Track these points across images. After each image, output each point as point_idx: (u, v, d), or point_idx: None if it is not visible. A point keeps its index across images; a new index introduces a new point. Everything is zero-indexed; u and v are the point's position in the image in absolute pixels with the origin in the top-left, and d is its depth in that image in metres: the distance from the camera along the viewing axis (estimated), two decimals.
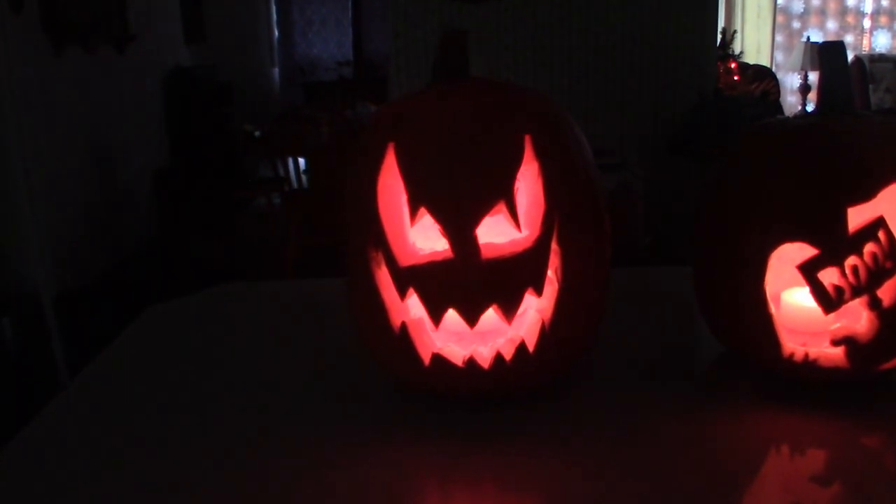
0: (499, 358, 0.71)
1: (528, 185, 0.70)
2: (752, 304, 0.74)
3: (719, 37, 2.66)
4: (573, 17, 1.90)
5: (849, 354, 0.72)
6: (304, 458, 0.69)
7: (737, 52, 5.67)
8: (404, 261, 0.71)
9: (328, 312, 1.02)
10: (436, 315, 0.70)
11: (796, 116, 0.78)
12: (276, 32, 6.35)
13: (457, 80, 0.77)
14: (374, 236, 0.72)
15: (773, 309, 0.74)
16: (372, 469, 0.67)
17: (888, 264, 0.70)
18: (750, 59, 5.90)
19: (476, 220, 0.69)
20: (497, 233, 0.71)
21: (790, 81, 5.94)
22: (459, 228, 0.69)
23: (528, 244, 0.70)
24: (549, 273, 0.71)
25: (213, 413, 0.78)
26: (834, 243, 0.70)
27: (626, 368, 0.84)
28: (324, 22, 6.79)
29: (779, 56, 6.04)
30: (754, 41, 5.97)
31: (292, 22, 6.49)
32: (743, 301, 0.75)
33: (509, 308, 0.69)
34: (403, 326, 0.72)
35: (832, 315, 0.72)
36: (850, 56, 5.84)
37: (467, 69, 0.79)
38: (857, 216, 0.70)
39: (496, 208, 0.69)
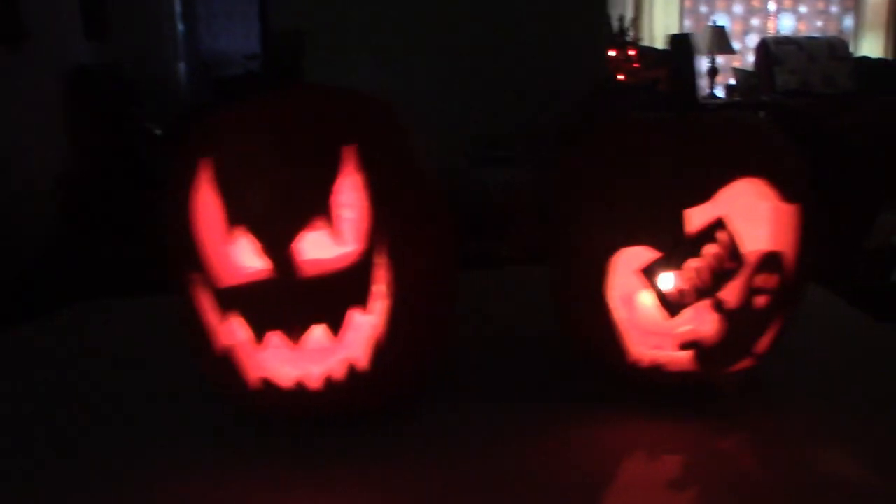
0: (329, 379, 0.67)
1: (351, 198, 0.66)
2: (595, 310, 0.71)
3: (616, 23, 2.65)
4: (461, 6, 1.86)
5: (697, 358, 0.69)
6: (127, 482, 0.65)
7: (644, 37, 5.75)
8: (224, 282, 0.67)
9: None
10: (259, 336, 0.66)
11: (649, 112, 0.74)
12: (181, 26, 6.16)
13: (286, 88, 0.72)
14: (191, 258, 0.68)
15: (617, 314, 0.71)
16: (194, 492, 0.63)
17: (729, 265, 0.67)
18: (659, 44, 5.97)
19: (292, 237, 0.64)
20: (323, 248, 0.66)
21: (699, 65, 6.03)
22: (276, 246, 0.65)
23: (351, 259, 0.66)
24: (379, 288, 0.66)
25: (34, 439, 0.72)
26: (673, 246, 0.66)
27: (484, 378, 0.80)
28: (229, 15, 6.61)
29: None
30: (663, 26, 6.04)
31: (196, 15, 6.29)
32: (586, 306, 0.72)
33: (335, 326, 0.66)
34: (227, 349, 0.68)
35: (679, 318, 0.69)
36: (756, 39, 5.97)
37: (301, 74, 0.73)
38: (697, 218, 0.67)
39: (314, 224, 0.64)
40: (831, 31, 6.31)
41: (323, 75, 0.76)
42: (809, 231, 0.71)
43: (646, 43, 5.96)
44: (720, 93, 5.76)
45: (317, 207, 0.65)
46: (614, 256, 0.69)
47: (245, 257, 0.67)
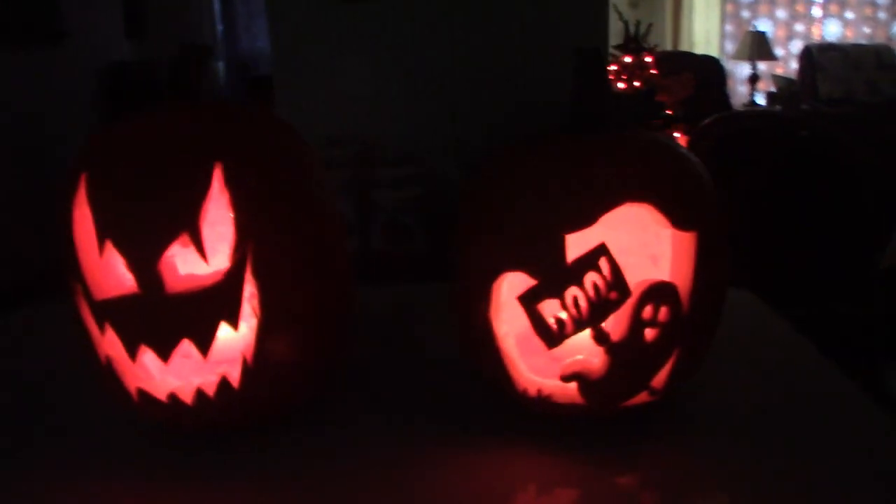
0: (201, 393, 0.67)
1: (218, 215, 0.65)
2: (482, 335, 0.68)
3: (632, 29, 2.60)
4: (449, 16, 1.84)
5: (582, 391, 0.66)
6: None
7: (683, 43, 5.64)
8: (98, 294, 0.67)
9: None
10: (131, 350, 0.66)
11: (546, 132, 0.71)
12: (220, 26, 6.23)
13: (170, 103, 0.71)
14: (73, 268, 0.68)
15: (502, 341, 0.68)
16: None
17: (612, 295, 0.63)
18: (699, 49, 5.86)
19: (158, 253, 0.64)
20: (191, 265, 0.65)
21: (740, 71, 5.90)
22: (141, 262, 0.65)
23: (219, 276, 0.65)
24: (249, 305, 0.65)
25: None
26: (552, 273, 0.63)
27: (382, 398, 0.78)
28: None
29: (728, 46, 6.01)
30: (703, 30, 5.93)
31: (235, 15, 6.36)
32: (474, 331, 0.69)
33: (203, 343, 0.65)
34: (109, 360, 0.68)
35: (563, 349, 0.66)
36: (800, 46, 5.82)
37: (198, 89, 0.72)
38: (578, 243, 0.63)
39: (180, 240, 0.64)
40: (879, 38, 6.12)
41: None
42: (713, 260, 0.67)
43: (685, 48, 5.86)
44: (760, 100, 5.63)
45: (183, 224, 0.65)
46: (497, 281, 0.66)
47: (117, 272, 0.66)
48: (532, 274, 0.64)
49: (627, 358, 0.65)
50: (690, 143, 2.10)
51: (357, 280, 0.78)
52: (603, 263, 0.63)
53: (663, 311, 0.65)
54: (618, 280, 0.63)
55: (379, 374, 0.82)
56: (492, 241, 0.66)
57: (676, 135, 2.53)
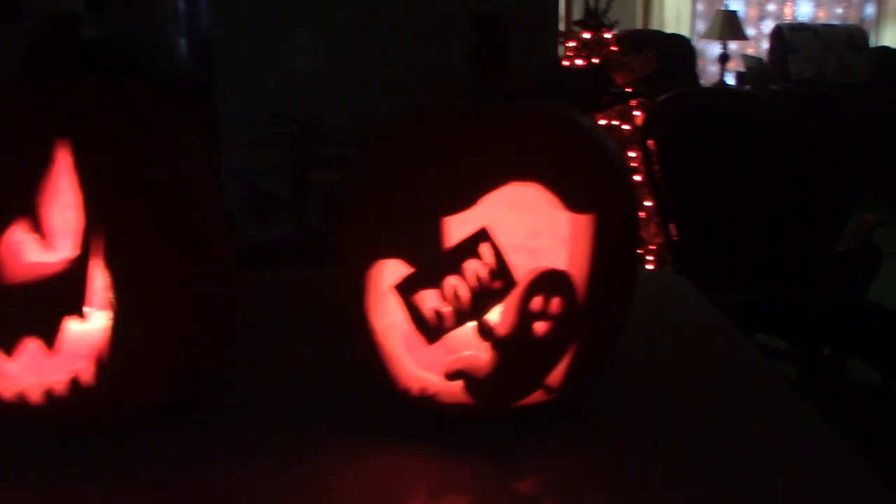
0: (50, 393, 0.60)
1: (62, 198, 0.58)
2: (361, 329, 0.62)
3: (593, 3, 2.53)
4: None
5: (469, 390, 0.60)
6: None
7: (653, 22, 5.57)
8: None
9: None
10: None
11: (439, 101, 0.64)
12: (182, 2, 6.07)
13: (31, 75, 0.64)
14: None
15: (381, 336, 0.61)
16: None
17: (496, 284, 0.57)
18: (670, 28, 5.80)
19: None
20: (31, 253, 0.59)
21: (711, 51, 5.85)
22: None
23: (62, 265, 0.58)
24: (100, 297, 0.58)
25: None
26: (429, 260, 0.57)
27: (267, 396, 0.72)
28: None
29: (700, 25, 5.95)
30: (674, 9, 5.86)
31: None
32: (353, 324, 0.62)
33: (48, 337, 0.58)
34: None
35: (452, 342, 0.60)
36: (771, 25, 5.77)
37: (71, 61, 0.65)
38: (458, 227, 0.57)
39: (18, 225, 0.57)
40: (852, 20, 6.08)
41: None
42: (615, 246, 0.61)
43: (655, 27, 5.79)
44: (730, 80, 5.58)
45: (20, 207, 0.58)
46: (373, 269, 0.59)
47: None
48: (408, 261, 0.57)
49: (517, 354, 0.59)
50: (646, 121, 2.04)
51: (295, 261, 0.71)
52: (485, 249, 0.57)
53: (555, 303, 0.59)
54: (501, 268, 0.57)
55: (268, 369, 0.76)
56: (366, 226, 0.60)
57: (636, 114, 2.47)
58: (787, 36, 5.49)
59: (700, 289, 0.98)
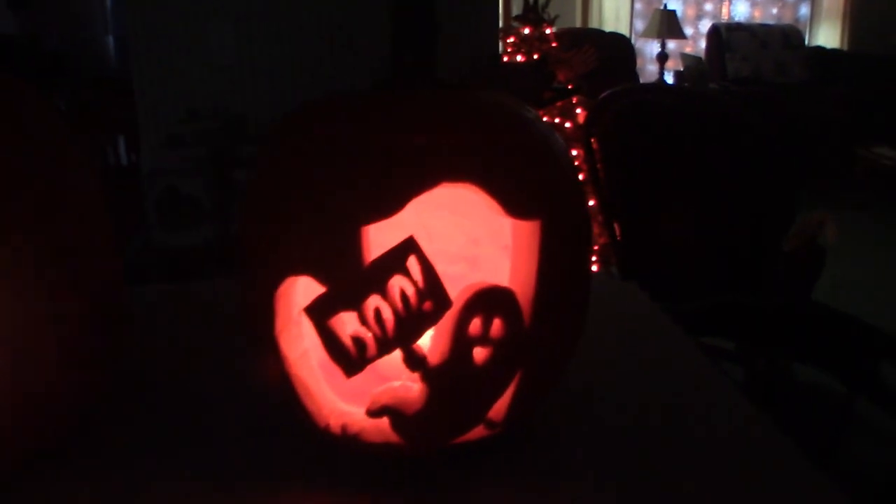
0: None
1: None
2: (270, 358, 0.52)
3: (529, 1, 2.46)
4: None
5: (396, 428, 0.50)
6: None
7: (592, 20, 5.56)
8: None
9: None
10: None
11: (354, 89, 0.55)
12: None
13: None
14: None
15: (297, 367, 0.52)
16: None
17: (426, 306, 0.48)
18: (609, 26, 5.78)
19: None
20: None
21: (650, 50, 5.85)
22: None
23: None
24: None
25: None
26: (346, 278, 0.47)
27: (150, 430, 0.61)
28: None
29: (638, 24, 5.95)
30: (613, 8, 5.84)
31: None
32: (261, 352, 0.52)
33: None
34: None
35: (382, 370, 0.51)
36: (709, 25, 5.80)
37: None
38: (380, 238, 0.48)
39: None
40: (787, 20, 6.15)
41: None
42: (565, 258, 0.52)
43: (594, 25, 5.77)
44: (669, 79, 5.59)
45: None
46: (280, 288, 0.49)
47: None
48: (320, 279, 0.48)
49: (452, 386, 0.50)
50: (589, 118, 1.97)
51: (217, 269, 0.60)
52: (412, 264, 0.47)
53: (496, 325, 0.50)
54: (432, 285, 0.47)
55: (164, 401, 0.65)
56: (271, 237, 0.50)
57: (578, 111, 2.40)
58: (724, 35, 5.52)
59: (647, 293, 0.90)
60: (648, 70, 5.79)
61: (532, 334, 0.51)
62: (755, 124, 1.91)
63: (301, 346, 0.52)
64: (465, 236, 0.57)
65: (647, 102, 1.97)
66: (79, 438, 0.58)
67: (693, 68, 5.30)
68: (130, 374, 0.65)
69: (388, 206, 0.47)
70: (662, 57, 5.42)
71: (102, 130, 4.30)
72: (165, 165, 1.57)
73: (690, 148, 1.89)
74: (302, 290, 0.49)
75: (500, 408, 0.53)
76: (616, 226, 2.00)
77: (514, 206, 0.49)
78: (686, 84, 5.29)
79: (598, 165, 1.94)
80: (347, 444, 0.53)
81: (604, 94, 1.96)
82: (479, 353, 0.50)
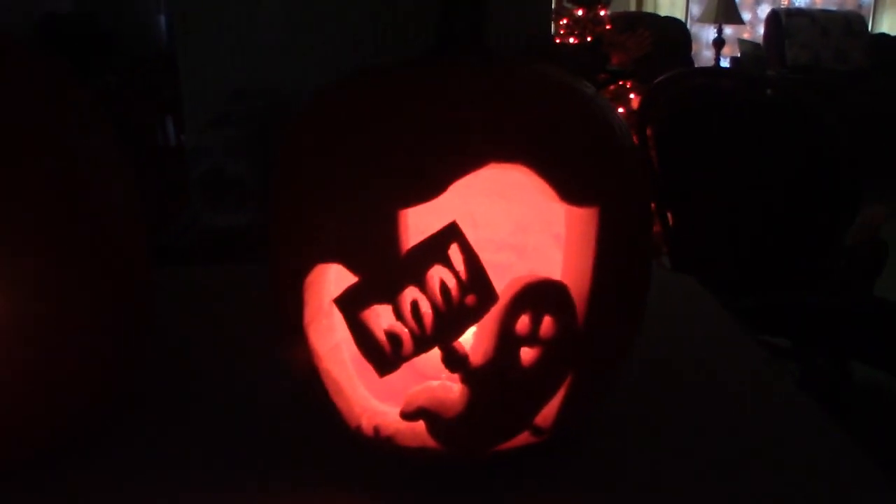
0: None
1: None
2: (298, 352, 0.48)
3: None
4: None
5: (433, 432, 0.46)
6: None
7: (648, 5, 5.44)
8: None
9: None
10: None
11: (397, 62, 0.50)
12: None
13: None
14: None
15: (327, 361, 0.47)
16: None
17: (469, 300, 0.43)
18: (664, 10, 5.65)
19: None
20: None
21: (706, 35, 5.71)
22: None
23: None
24: None
25: None
26: (381, 267, 0.43)
27: (167, 429, 0.57)
28: None
29: (694, 9, 5.80)
30: None
31: None
32: (289, 346, 0.48)
33: None
34: None
35: (421, 366, 0.46)
36: (768, 10, 5.63)
37: None
38: (420, 223, 0.43)
39: None
40: (849, 5, 5.94)
41: None
42: (624, 249, 0.47)
43: (649, 9, 5.64)
44: (725, 65, 5.45)
45: None
46: (310, 276, 0.45)
47: None
48: (352, 268, 0.43)
49: (496, 389, 0.45)
50: (643, 102, 1.90)
51: (258, 254, 0.57)
52: (455, 253, 0.42)
53: (547, 323, 0.45)
54: (477, 277, 0.43)
55: (188, 397, 0.61)
56: (299, 220, 0.45)
57: (631, 96, 2.33)
58: (784, 21, 5.35)
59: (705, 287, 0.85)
60: (704, 56, 5.64)
61: (586, 334, 0.46)
62: (821, 112, 1.82)
63: (332, 339, 0.48)
64: (512, 223, 0.53)
65: (705, 87, 1.89)
66: (98, 432, 0.55)
67: (750, 55, 5.15)
68: (158, 363, 0.62)
69: (430, 187, 0.42)
70: (719, 42, 5.27)
71: (151, 110, 4.33)
72: (210, 145, 1.54)
73: (751, 135, 1.81)
74: (333, 278, 0.45)
75: (548, 413, 0.48)
76: (669, 215, 1.93)
77: (570, 191, 0.44)
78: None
79: (652, 152, 1.87)
80: (380, 446, 0.49)
81: (659, 79, 1.89)
82: (527, 354, 0.45)
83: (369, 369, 0.46)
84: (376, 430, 0.48)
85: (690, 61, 5.25)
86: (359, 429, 0.49)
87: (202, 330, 0.71)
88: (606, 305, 0.47)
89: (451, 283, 0.43)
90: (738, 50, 5.42)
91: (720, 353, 0.69)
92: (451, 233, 0.42)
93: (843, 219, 1.97)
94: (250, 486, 0.50)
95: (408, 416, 0.46)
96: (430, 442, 0.47)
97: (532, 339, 0.45)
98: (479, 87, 0.44)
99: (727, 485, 0.51)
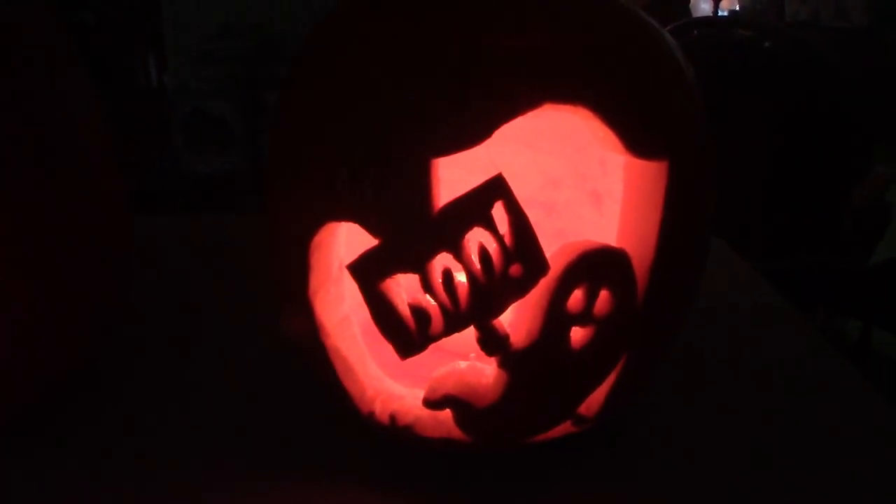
0: None
1: None
2: (302, 326, 0.40)
3: None
4: None
5: (461, 423, 0.38)
6: None
7: None
8: None
9: None
10: None
11: None
12: None
13: None
14: None
15: (335, 337, 0.40)
16: None
17: (514, 270, 0.35)
18: None
19: None
20: None
21: None
22: None
23: None
24: None
25: None
26: (408, 227, 0.35)
27: (163, 404, 0.49)
28: None
29: None
30: None
31: None
32: (292, 318, 0.40)
33: None
34: None
35: (427, 356, 0.39)
36: None
37: None
38: (456, 176, 0.35)
39: None
40: None
41: None
42: (694, 212, 0.39)
43: None
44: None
45: None
46: (318, 237, 0.37)
47: None
48: (371, 228, 0.35)
49: (539, 375, 0.38)
50: None
51: (249, 199, 0.49)
52: (499, 212, 0.35)
53: (603, 299, 0.37)
54: (525, 243, 0.35)
55: (171, 363, 0.54)
56: (305, 170, 0.37)
57: None
58: None
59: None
60: (702, 9, 5.51)
61: (644, 310, 0.39)
62: (839, 66, 1.73)
63: (341, 310, 0.40)
64: (541, 177, 0.45)
65: (716, 37, 1.80)
66: (65, 406, 0.47)
67: (750, 8, 5.03)
68: (132, 329, 0.54)
69: (472, 132, 0.34)
70: None
71: (132, 49, 4.17)
72: (193, 85, 1.45)
73: (761, 87, 1.73)
74: (344, 239, 0.37)
75: (594, 400, 0.41)
76: None
77: (638, 139, 0.36)
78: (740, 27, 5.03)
79: None
80: (397, 436, 0.41)
81: (667, 28, 1.79)
82: (577, 334, 0.38)
83: (384, 344, 0.38)
84: (392, 417, 0.41)
85: (688, 14, 5.12)
86: (372, 415, 0.41)
87: (181, 288, 0.64)
88: (669, 278, 0.39)
89: (493, 248, 0.35)
90: (737, 3, 5.29)
91: (763, 323, 0.62)
92: (496, 188, 0.34)
93: (853, 177, 1.91)
94: (244, 480, 0.43)
95: (433, 404, 0.38)
96: (457, 432, 0.40)
97: (585, 317, 0.37)
98: (535, 13, 0.36)
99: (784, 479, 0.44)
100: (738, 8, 5.25)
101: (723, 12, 5.32)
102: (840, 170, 1.76)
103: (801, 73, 1.69)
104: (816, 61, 1.68)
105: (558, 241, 0.38)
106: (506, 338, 0.37)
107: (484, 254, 0.35)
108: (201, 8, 1.59)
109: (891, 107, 4.36)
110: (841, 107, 1.67)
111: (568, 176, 0.46)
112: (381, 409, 0.41)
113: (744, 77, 1.72)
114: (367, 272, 0.35)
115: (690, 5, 5.37)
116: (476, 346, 0.38)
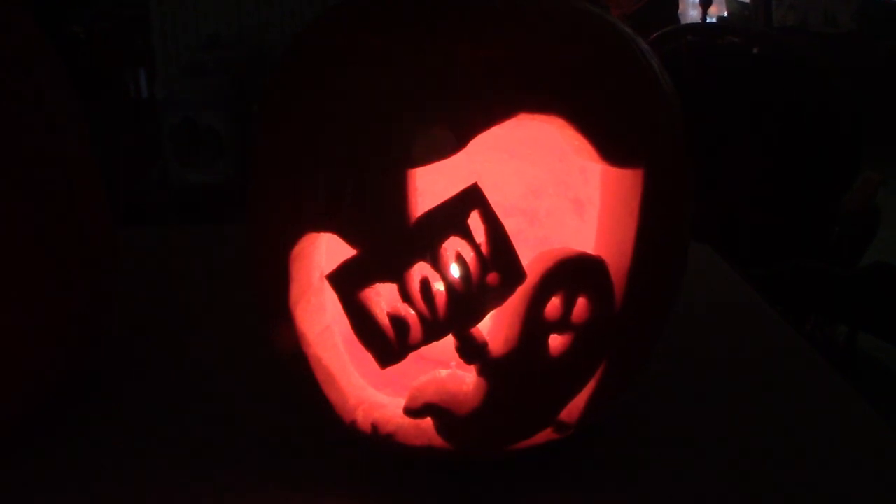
0: None
1: None
2: (283, 335, 0.40)
3: None
4: None
5: (442, 430, 0.39)
6: None
7: None
8: None
9: None
10: None
11: None
12: None
13: None
14: None
15: (316, 346, 0.40)
16: None
17: (491, 278, 0.35)
18: None
19: None
20: None
21: None
22: None
23: None
24: None
25: None
26: (385, 237, 0.35)
27: (146, 415, 0.50)
28: None
29: None
30: None
31: None
32: (273, 328, 0.41)
33: None
34: None
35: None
36: None
37: None
38: (433, 186, 0.35)
39: None
40: None
41: None
42: (669, 219, 0.40)
43: None
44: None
45: None
46: (297, 247, 0.38)
47: None
48: (349, 238, 0.36)
49: (518, 382, 0.38)
50: None
51: (239, 210, 0.50)
52: (475, 220, 0.35)
53: (581, 307, 0.37)
54: (501, 251, 0.35)
55: (160, 375, 0.54)
56: (285, 180, 0.37)
57: None
58: None
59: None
60: (690, 15, 5.55)
61: (623, 317, 0.39)
62: (827, 71, 1.74)
63: (322, 320, 0.41)
64: (523, 185, 0.46)
65: (703, 44, 1.81)
66: (60, 414, 0.47)
67: (737, 15, 5.06)
68: (124, 338, 0.54)
69: (448, 142, 0.34)
70: (706, 2, 5.16)
71: (122, 62, 4.17)
72: (183, 95, 1.45)
73: (749, 92, 1.74)
74: (325, 249, 0.38)
75: (574, 407, 0.41)
76: None
77: (612, 148, 0.37)
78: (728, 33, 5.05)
79: None
80: (379, 444, 0.42)
81: (654, 35, 1.80)
82: (556, 342, 0.38)
83: (365, 354, 0.38)
84: (374, 426, 0.41)
85: (677, 20, 5.15)
86: (354, 424, 0.42)
87: (172, 299, 0.64)
88: (647, 284, 0.40)
89: (470, 257, 0.35)
90: (725, 9, 5.33)
91: (749, 328, 0.63)
92: (472, 197, 0.35)
93: (843, 181, 1.92)
94: (232, 491, 0.43)
95: (414, 412, 0.39)
96: (438, 441, 0.40)
97: (563, 324, 0.38)
98: (510, 24, 0.37)
99: (754, 470, 0.44)
100: (726, 14, 5.28)
101: (711, 19, 5.34)
102: (829, 174, 1.77)
103: (790, 78, 1.70)
104: (804, 67, 1.70)
105: (541, 248, 0.38)
106: (484, 345, 0.37)
107: (461, 262, 0.35)
108: (191, 20, 1.60)
109: (880, 111, 4.38)
110: (830, 111, 1.68)
111: (550, 184, 0.46)
112: (363, 418, 0.41)
113: (732, 83, 1.73)
114: (346, 282, 0.36)
115: (679, 12, 5.40)
116: (457, 357, 0.38)
